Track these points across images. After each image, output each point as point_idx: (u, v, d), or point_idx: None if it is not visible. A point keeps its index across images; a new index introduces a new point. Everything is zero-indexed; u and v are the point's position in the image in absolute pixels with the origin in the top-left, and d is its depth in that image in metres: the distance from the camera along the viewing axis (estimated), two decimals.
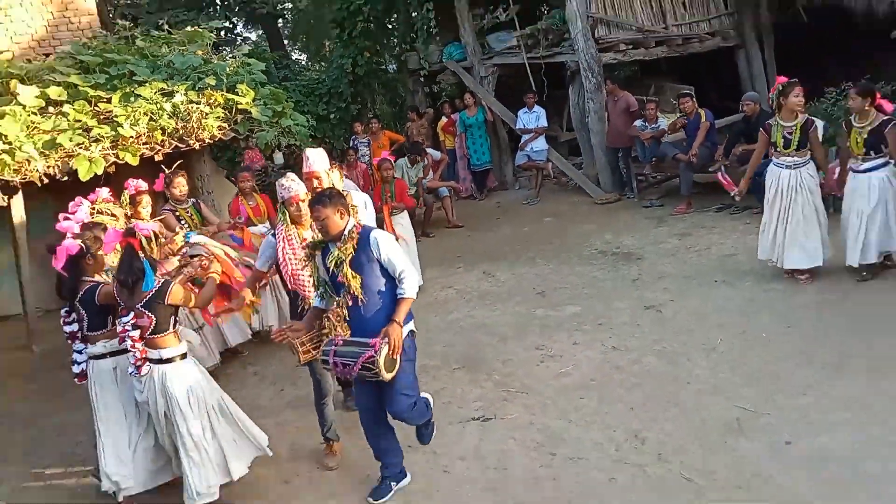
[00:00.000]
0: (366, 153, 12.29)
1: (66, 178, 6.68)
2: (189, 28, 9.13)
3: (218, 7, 19.00)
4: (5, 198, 6.53)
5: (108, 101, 6.98)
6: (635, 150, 11.01)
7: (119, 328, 4.39)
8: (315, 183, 4.99)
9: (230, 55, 9.09)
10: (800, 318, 6.16)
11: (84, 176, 6.64)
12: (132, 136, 6.90)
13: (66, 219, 5.02)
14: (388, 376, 4.08)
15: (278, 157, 12.07)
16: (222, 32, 18.12)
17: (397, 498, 4.53)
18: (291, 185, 4.88)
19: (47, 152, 6.51)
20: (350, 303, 4.14)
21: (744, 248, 7.90)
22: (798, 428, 4.57)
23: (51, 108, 6.77)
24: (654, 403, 5.13)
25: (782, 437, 4.49)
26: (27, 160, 6.40)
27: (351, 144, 12.80)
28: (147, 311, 4.36)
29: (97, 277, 4.73)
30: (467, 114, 12.50)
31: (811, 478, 4.06)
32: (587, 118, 11.43)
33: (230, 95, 7.57)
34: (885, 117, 6.49)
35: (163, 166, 6.68)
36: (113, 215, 5.47)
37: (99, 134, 6.75)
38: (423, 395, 4.56)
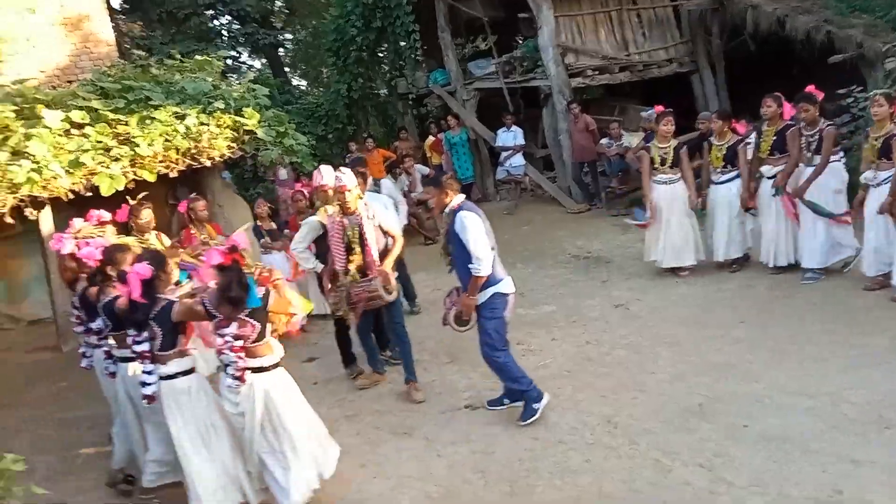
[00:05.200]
0: None
1: (89, 193, 6.62)
2: (199, 57, 9.11)
3: (225, 38, 18.98)
4: (35, 212, 6.46)
5: (127, 123, 6.93)
6: (602, 164, 11.05)
7: (219, 340, 3.94)
8: (347, 195, 5.30)
9: (237, 82, 9.04)
10: (750, 313, 6.20)
11: (106, 192, 6.60)
12: (149, 155, 6.88)
13: (74, 246, 4.62)
14: (457, 328, 4.99)
15: (282, 173, 12.03)
16: (229, 61, 18.08)
17: (392, 479, 4.46)
18: (342, 176, 5.31)
19: (72, 170, 6.47)
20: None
21: None
22: (752, 411, 4.59)
23: (74, 131, 6.71)
24: (623, 391, 5.15)
25: (739, 419, 4.51)
26: (54, 177, 6.35)
27: (346, 161, 12.81)
28: (251, 320, 3.96)
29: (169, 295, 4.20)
30: (452, 133, 12.51)
31: (766, 456, 4.08)
32: (559, 136, 11.47)
33: (237, 118, 7.55)
34: (738, 137, 6.93)
35: (128, 197, 6.11)
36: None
37: (119, 153, 6.72)
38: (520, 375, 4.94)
